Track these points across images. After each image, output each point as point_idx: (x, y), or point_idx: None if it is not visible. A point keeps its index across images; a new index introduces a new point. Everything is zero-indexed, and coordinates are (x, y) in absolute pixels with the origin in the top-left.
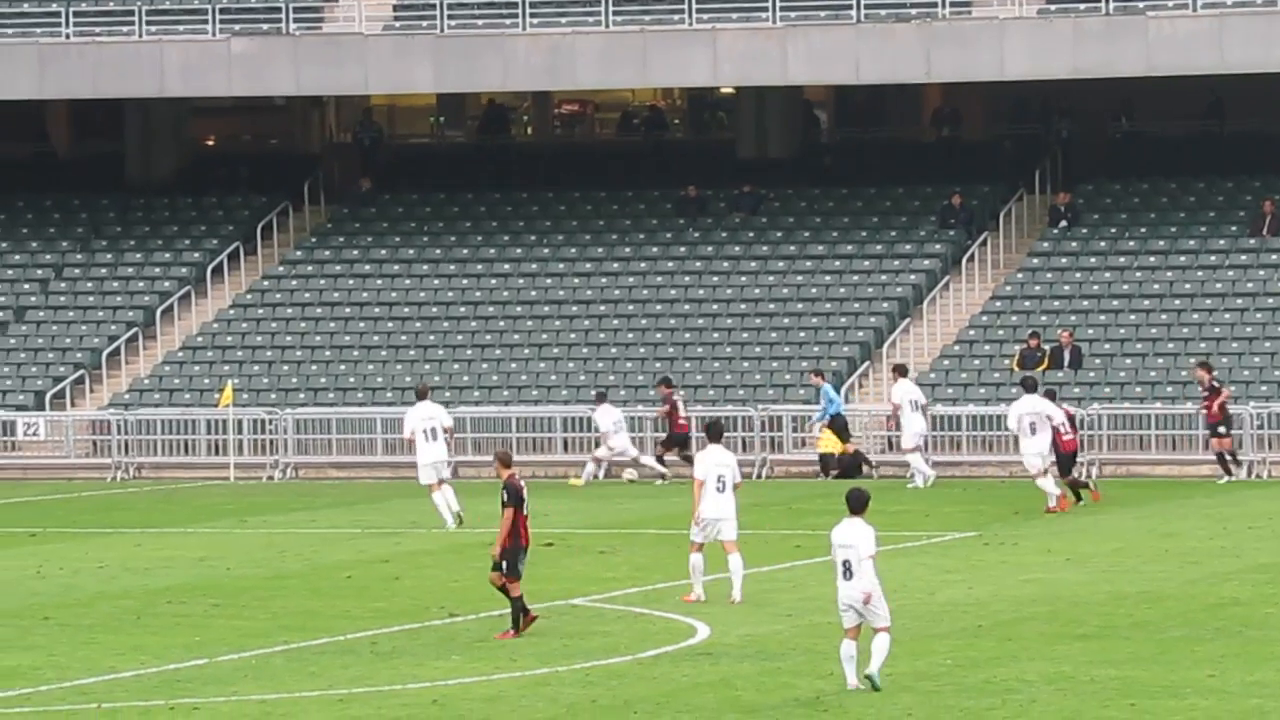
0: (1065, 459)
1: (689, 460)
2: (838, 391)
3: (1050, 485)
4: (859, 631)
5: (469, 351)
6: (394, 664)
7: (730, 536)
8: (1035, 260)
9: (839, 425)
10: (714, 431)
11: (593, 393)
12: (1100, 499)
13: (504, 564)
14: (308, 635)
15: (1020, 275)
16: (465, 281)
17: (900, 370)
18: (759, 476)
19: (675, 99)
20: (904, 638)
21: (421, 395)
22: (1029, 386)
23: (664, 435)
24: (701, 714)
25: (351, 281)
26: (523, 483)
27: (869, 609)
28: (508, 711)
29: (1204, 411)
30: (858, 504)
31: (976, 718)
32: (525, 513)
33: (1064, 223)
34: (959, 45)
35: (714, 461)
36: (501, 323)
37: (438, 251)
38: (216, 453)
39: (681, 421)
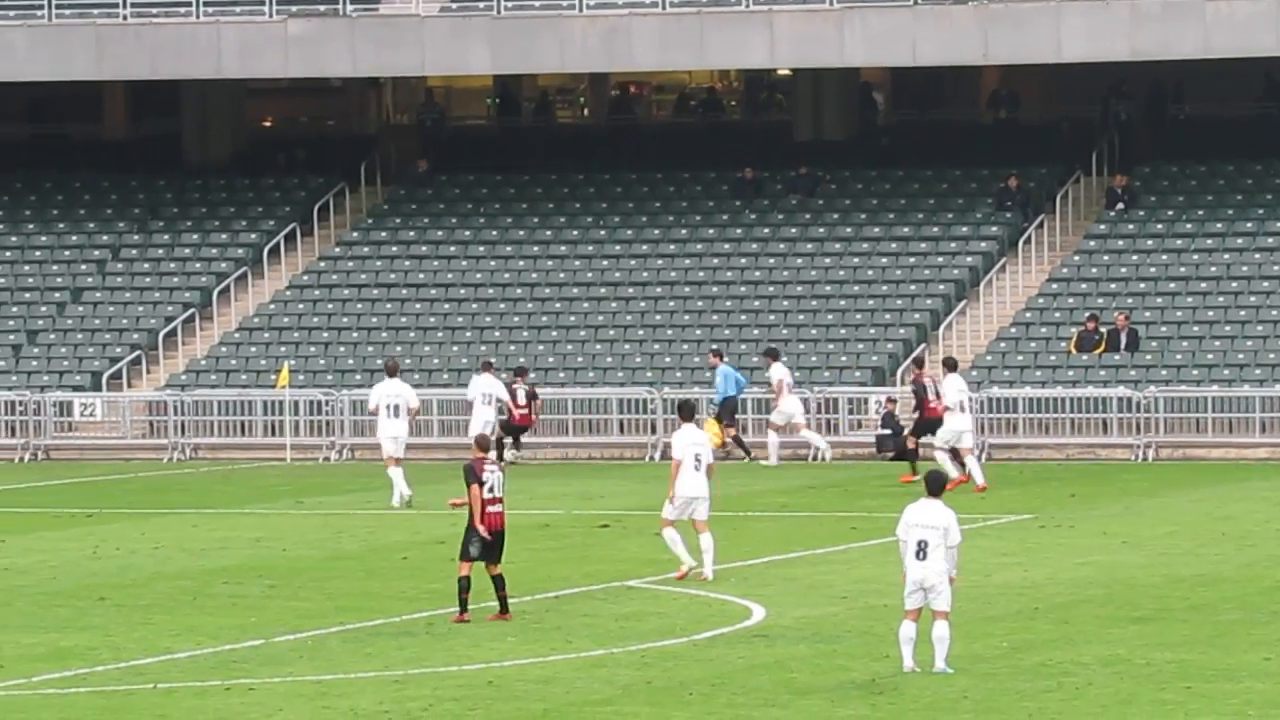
0: (928, 424)
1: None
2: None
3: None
4: (919, 614)
5: (525, 333)
6: (449, 645)
7: (703, 516)
8: (1092, 243)
9: (727, 410)
10: (685, 411)
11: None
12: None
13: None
14: (364, 616)
15: (1077, 258)
16: (521, 263)
17: (950, 365)
18: (814, 459)
19: (732, 80)
20: (960, 621)
21: (391, 372)
22: (950, 365)
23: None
24: (756, 696)
25: (408, 263)
26: (489, 467)
27: (937, 591)
28: (562, 692)
29: None
30: (937, 486)
31: (1032, 701)
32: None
33: (1121, 205)
34: (1016, 27)
35: (690, 440)
36: (557, 304)
37: (494, 233)
38: (273, 434)
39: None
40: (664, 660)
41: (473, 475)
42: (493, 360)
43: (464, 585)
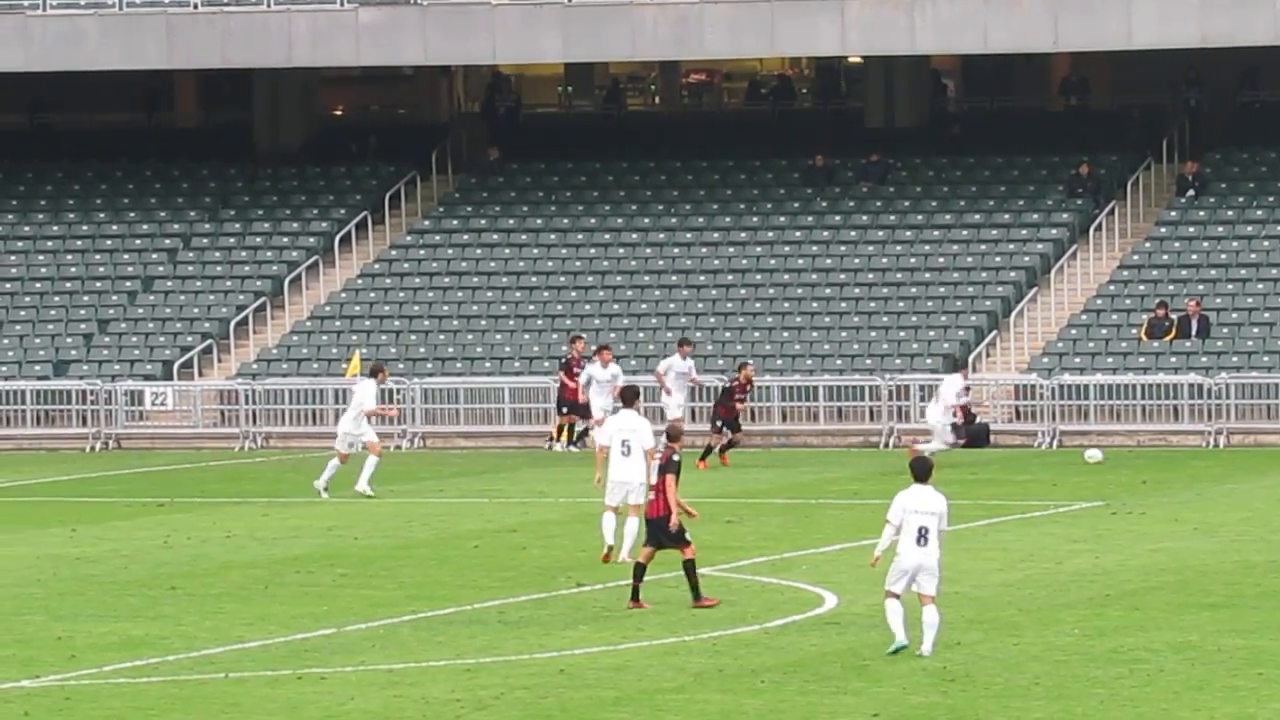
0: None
1: None
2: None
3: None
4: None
5: (596, 321)
6: (521, 633)
7: (635, 501)
8: (1163, 229)
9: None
10: (628, 396)
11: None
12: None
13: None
14: (436, 604)
15: (1148, 244)
16: (592, 251)
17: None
18: (886, 446)
19: (803, 68)
20: (1031, 607)
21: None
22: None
23: None
24: (829, 683)
25: (479, 251)
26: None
27: (930, 574)
28: (634, 680)
29: None
30: (925, 472)
31: (1104, 687)
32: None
33: (1191, 191)
34: (1086, 14)
35: (619, 427)
36: (629, 292)
37: (565, 221)
38: (319, 423)
39: None
40: (736, 648)
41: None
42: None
43: (635, 570)
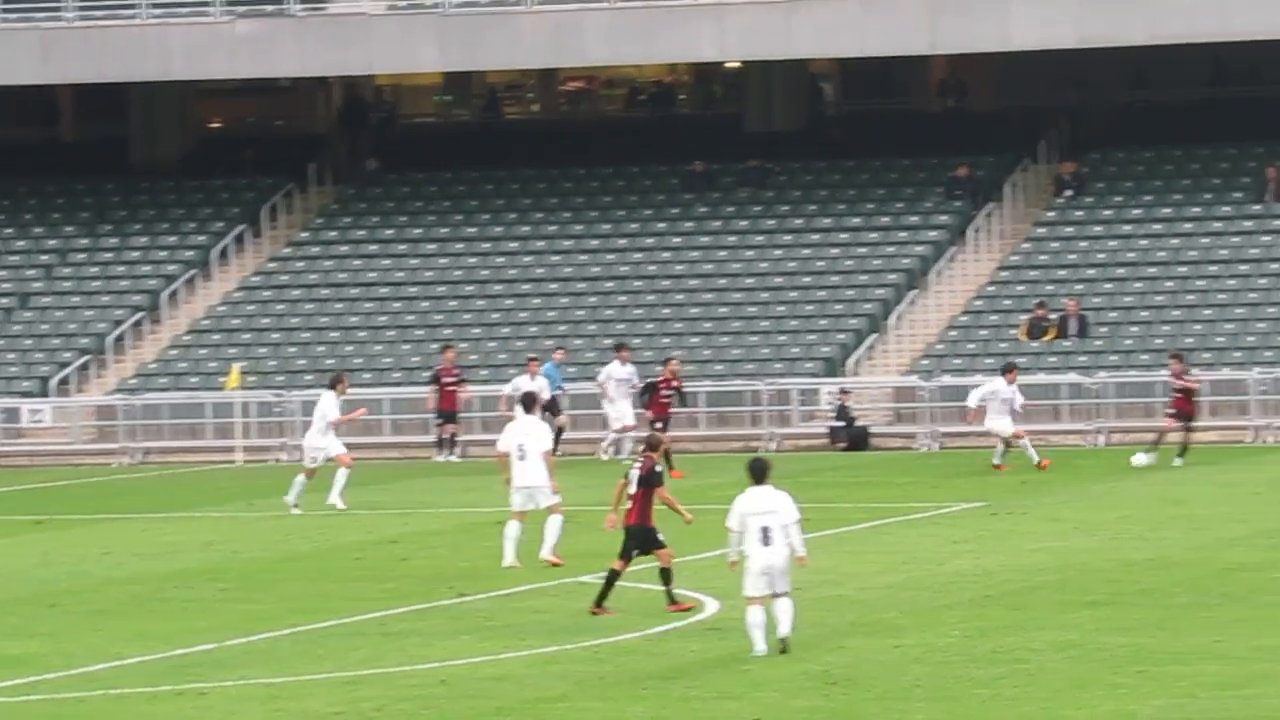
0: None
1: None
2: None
3: None
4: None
5: (476, 330)
6: (402, 645)
7: (544, 503)
8: (1041, 230)
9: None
10: (527, 402)
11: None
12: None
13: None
14: (317, 617)
15: (1027, 245)
16: (472, 260)
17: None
18: (766, 450)
19: (681, 74)
20: (913, 609)
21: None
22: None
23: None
24: (711, 689)
25: (358, 262)
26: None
27: (781, 574)
28: (516, 690)
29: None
30: (762, 473)
31: (986, 687)
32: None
33: (1070, 192)
34: (964, 16)
35: (516, 431)
36: (509, 301)
37: (444, 230)
38: (224, 436)
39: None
40: (617, 655)
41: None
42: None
43: (608, 576)
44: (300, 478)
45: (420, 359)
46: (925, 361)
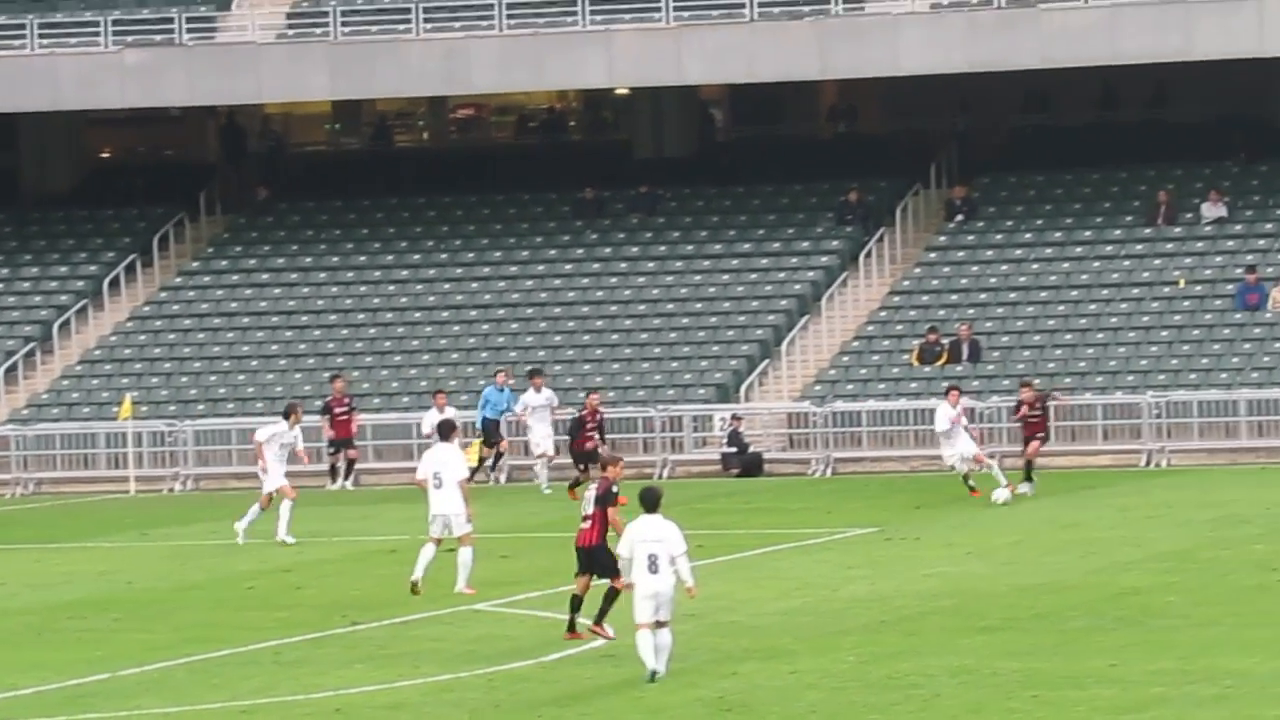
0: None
1: None
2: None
3: None
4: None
5: (368, 358)
6: (297, 673)
7: (458, 531)
8: (933, 254)
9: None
10: (444, 430)
11: None
12: None
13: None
14: (211, 647)
15: (918, 270)
16: (363, 288)
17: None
18: (660, 477)
19: (571, 101)
20: (807, 635)
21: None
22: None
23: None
24: (606, 716)
25: (249, 291)
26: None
27: (666, 602)
28: (410, 718)
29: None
30: (653, 502)
31: (881, 713)
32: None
33: (960, 216)
34: (853, 41)
35: (432, 460)
36: (400, 329)
37: (335, 259)
38: (117, 466)
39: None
40: (512, 683)
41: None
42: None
43: (571, 602)
44: (255, 507)
45: (312, 388)
46: (818, 387)
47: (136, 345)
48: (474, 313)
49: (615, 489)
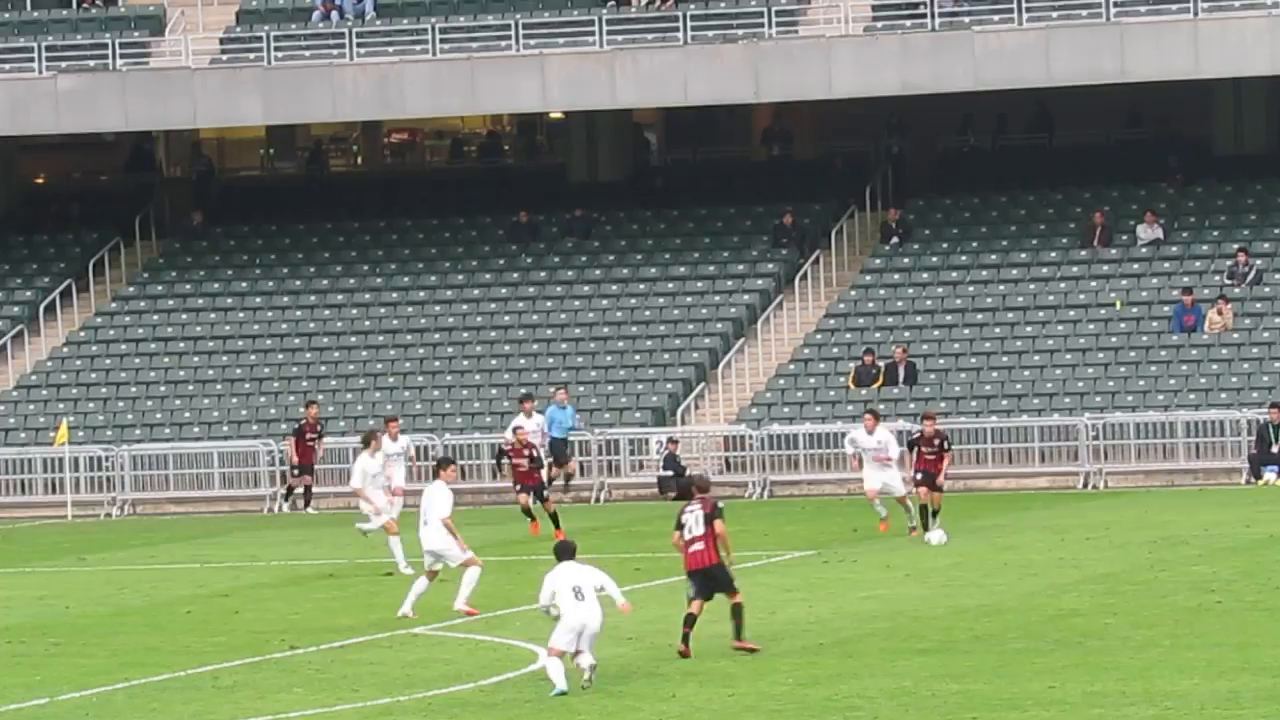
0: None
1: None
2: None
3: None
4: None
5: (304, 383)
6: (235, 698)
7: (456, 563)
8: (868, 277)
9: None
10: (440, 465)
11: None
12: None
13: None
14: (149, 671)
15: (854, 292)
16: (299, 313)
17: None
18: (597, 500)
19: (505, 125)
20: (745, 657)
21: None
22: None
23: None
24: None
25: (185, 315)
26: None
27: (590, 637)
28: None
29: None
30: (568, 552)
31: None
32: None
33: (895, 239)
34: (787, 64)
35: (425, 495)
36: (336, 354)
37: (271, 284)
38: (54, 491)
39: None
40: (451, 707)
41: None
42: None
43: (685, 620)
44: (393, 539)
45: (248, 412)
46: (754, 410)
47: (73, 370)
48: (409, 337)
49: (720, 506)
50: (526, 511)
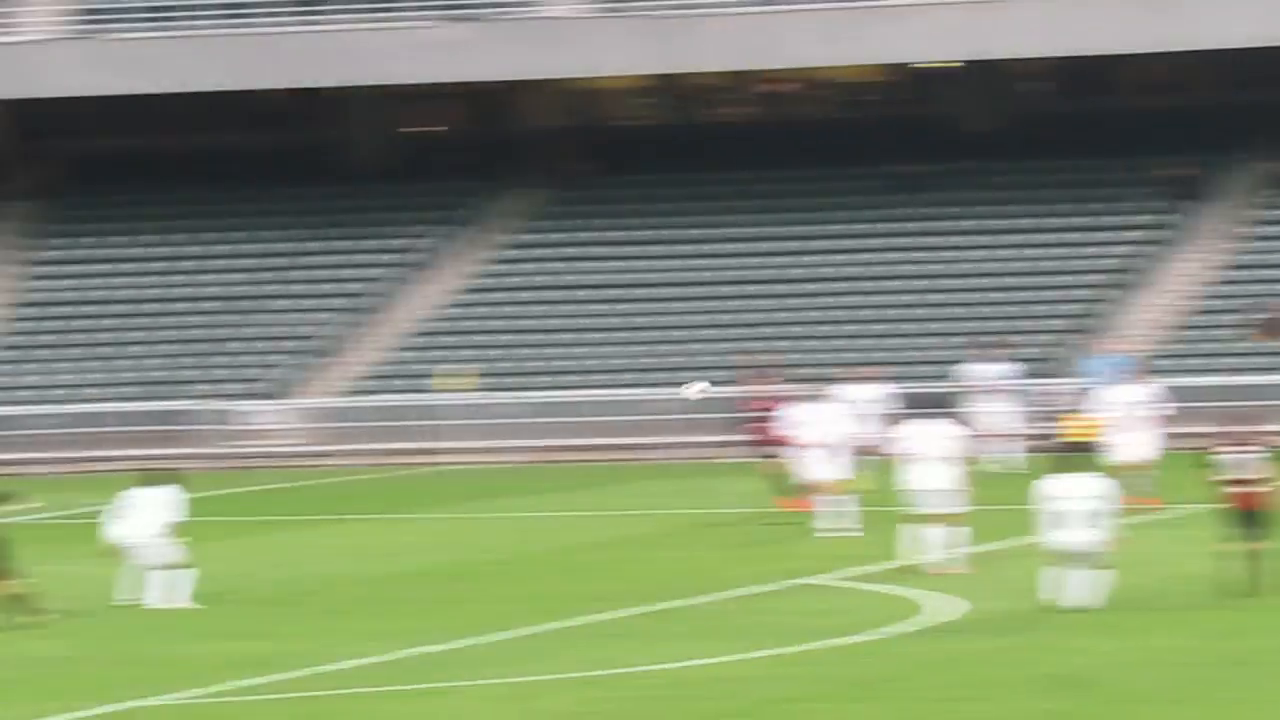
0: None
1: None
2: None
3: None
4: None
5: (706, 331)
6: (634, 646)
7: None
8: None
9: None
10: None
11: None
12: None
13: None
14: (549, 618)
15: (1242, 245)
16: (674, 263)
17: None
18: None
19: (886, 74)
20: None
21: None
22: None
23: None
24: (950, 691)
25: (562, 265)
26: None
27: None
28: (750, 691)
29: None
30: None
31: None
32: None
33: None
34: (1180, 13)
35: (923, 433)
36: (710, 303)
37: (646, 234)
38: (457, 439)
39: None
40: (849, 658)
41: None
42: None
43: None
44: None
45: (651, 361)
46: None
47: (463, 319)
48: (807, 286)
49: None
50: None
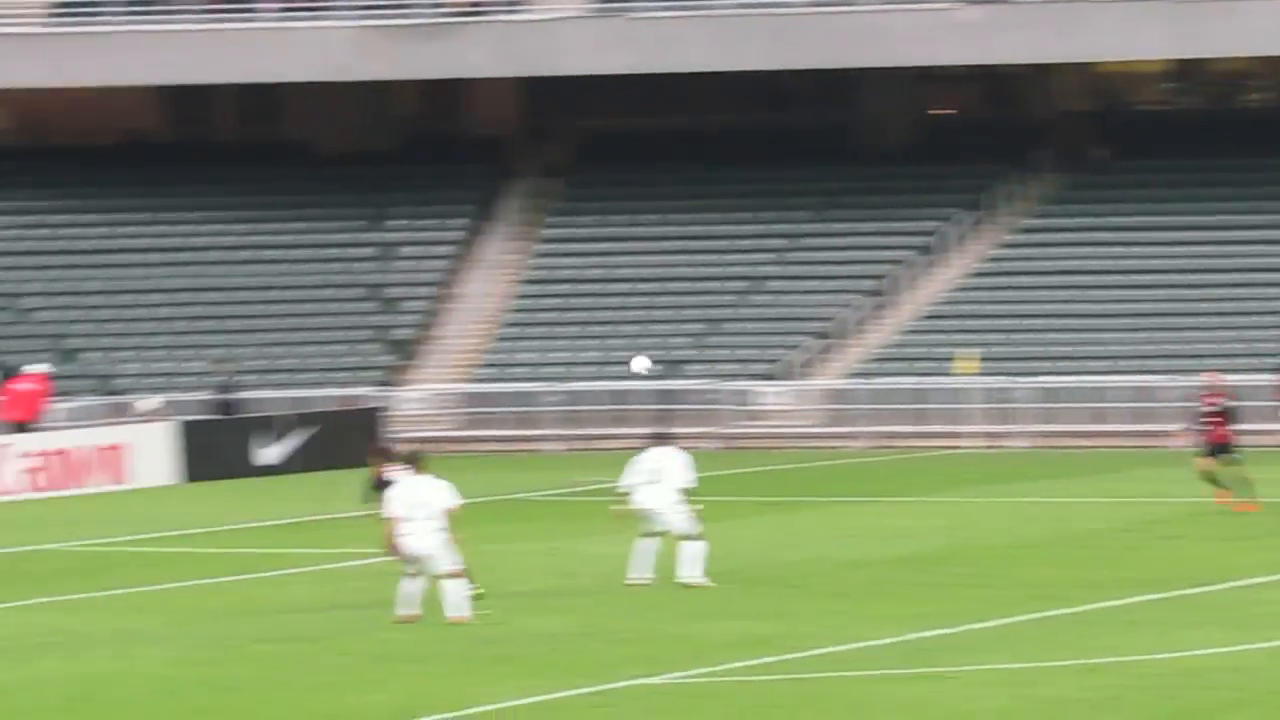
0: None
1: None
2: None
3: None
4: None
5: (1193, 319)
6: (1141, 633)
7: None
8: None
9: None
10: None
11: None
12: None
13: None
14: (1051, 604)
15: None
16: (1197, 249)
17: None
18: None
19: None
20: None
21: None
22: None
23: None
24: None
25: (1088, 249)
26: None
27: None
28: (1256, 683)
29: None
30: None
31: None
32: None
33: None
34: None
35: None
36: (1221, 290)
37: (1170, 219)
38: (951, 422)
39: None
40: None
41: None
42: None
43: None
44: None
45: (1153, 347)
46: None
47: (975, 301)
48: None
49: None
50: None
